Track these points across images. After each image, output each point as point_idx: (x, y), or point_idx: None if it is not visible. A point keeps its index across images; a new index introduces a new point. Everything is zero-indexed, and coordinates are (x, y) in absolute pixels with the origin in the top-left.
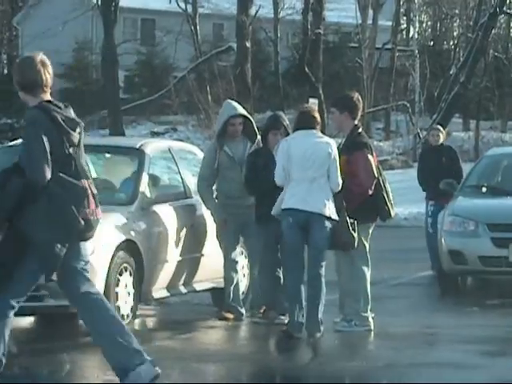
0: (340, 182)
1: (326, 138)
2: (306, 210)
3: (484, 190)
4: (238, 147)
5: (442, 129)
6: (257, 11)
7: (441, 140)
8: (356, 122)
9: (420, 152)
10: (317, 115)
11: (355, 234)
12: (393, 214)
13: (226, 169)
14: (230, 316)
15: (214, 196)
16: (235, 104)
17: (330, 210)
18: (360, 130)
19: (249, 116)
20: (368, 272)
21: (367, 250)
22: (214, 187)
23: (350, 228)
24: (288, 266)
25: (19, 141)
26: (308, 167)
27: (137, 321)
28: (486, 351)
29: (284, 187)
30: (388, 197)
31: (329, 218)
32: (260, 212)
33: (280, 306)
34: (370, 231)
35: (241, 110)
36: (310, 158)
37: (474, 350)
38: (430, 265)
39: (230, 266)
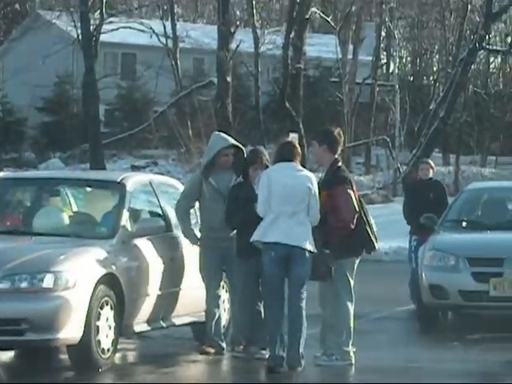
0: (318, 216)
1: (306, 172)
2: (288, 243)
3: (464, 224)
4: (224, 179)
5: (431, 163)
6: (237, 46)
7: (430, 174)
8: (336, 156)
9: (405, 185)
10: (297, 147)
11: (332, 266)
12: (377, 246)
13: (210, 200)
14: (211, 350)
15: (198, 229)
16: (225, 135)
17: (310, 243)
18: (340, 164)
19: (241, 146)
20: (352, 307)
21: (352, 284)
22: (194, 220)
23: (327, 260)
24: (268, 300)
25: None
26: (288, 201)
27: (118, 355)
28: None
29: (264, 218)
30: (371, 229)
31: (309, 252)
32: (241, 246)
33: (261, 341)
34: (355, 266)
35: (233, 141)
36: (291, 192)
37: None
38: (411, 297)
39: (212, 300)
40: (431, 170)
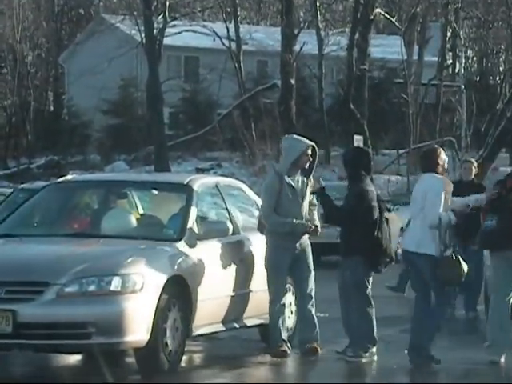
0: (434, 218)
1: (431, 178)
2: (405, 248)
3: None
4: (295, 179)
5: (475, 163)
6: (301, 48)
7: (473, 175)
8: None
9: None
10: (432, 157)
11: (461, 269)
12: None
13: (288, 199)
14: (282, 351)
15: (266, 232)
16: (299, 136)
17: (426, 246)
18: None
19: (315, 145)
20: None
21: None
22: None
23: (455, 263)
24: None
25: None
26: (411, 207)
27: (185, 357)
28: None
29: None
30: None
31: (427, 255)
32: (350, 245)
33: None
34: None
35: (309, 141)
36: (413, 198)
37: None
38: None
39: (276, 301)
40: (474, 170)
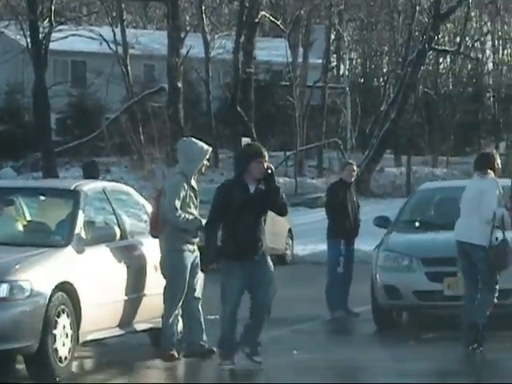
0: (487, 213)
1: (486, 178)
2: (461, 240)
3: (417, 224)
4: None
5: (355, 165)
6: (187, 51)
7: (354, 177)
8: None
9: (330, 188)
10: (490, 161)
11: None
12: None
13: (191, 202)
14: (172, 354)
15: (166, 236)
16: (196, 140)
17: (481, 238)
18: None
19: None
20: None
21: None
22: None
23: (505, 250)
24: None
25: None
26: (464, 204)
27: (75, 363)
28: None
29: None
30: None
31: (481, 246)
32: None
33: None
34: None
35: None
36: (467, 196)
37: None
38: (329, 312)
39: (175, 313)
40: (354, 173)
